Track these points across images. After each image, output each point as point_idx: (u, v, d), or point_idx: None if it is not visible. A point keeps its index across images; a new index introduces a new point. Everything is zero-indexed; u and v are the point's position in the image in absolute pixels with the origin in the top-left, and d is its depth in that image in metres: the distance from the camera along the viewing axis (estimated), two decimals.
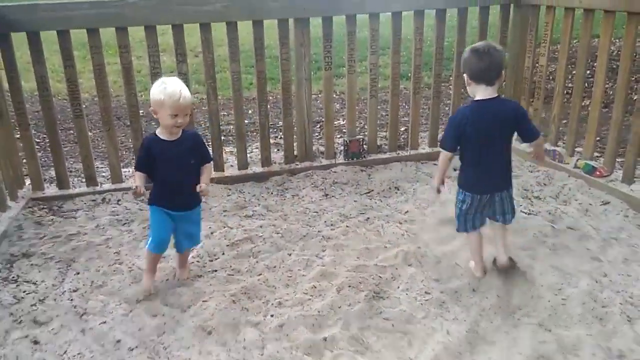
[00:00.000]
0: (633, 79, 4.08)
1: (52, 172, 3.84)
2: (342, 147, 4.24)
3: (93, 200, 3.66)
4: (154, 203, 2.63)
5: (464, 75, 2.59)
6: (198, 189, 2.55)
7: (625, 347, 2.22)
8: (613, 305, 2.48)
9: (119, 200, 3.66)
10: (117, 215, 3.48)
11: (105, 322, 2.49)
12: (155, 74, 3.69)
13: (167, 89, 2.42)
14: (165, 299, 2.66)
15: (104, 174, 4.08)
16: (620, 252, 2.90)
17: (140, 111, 3.88)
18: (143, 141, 2.62)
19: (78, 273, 2.88)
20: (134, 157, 3.91)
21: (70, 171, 4.11)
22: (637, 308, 2.48)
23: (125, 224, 3.38)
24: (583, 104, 3.93)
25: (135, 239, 3.20)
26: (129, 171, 4.13)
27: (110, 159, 3.83)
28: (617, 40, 6.51)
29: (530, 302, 2.55)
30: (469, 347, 2.29)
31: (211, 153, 4.03)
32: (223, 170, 4.02)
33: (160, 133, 2.55)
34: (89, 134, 4.89)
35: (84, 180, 3.84)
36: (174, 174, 2.56)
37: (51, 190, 3.77)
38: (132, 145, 4.02)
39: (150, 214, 2.65)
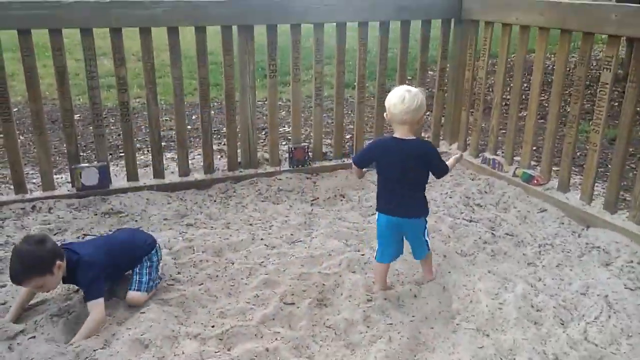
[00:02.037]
0: (566, 92, 4.27)
1: None
2: (287, 155, 4.22)
3: (22, 209, 3.44)
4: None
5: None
6: None
7: (559, 351, 2.30)
8: (547, 309, 2.56)
9: (50, 209, 3.46)
10: (49, 224, 3.29)
11: (34, 337, 2.33)
12: (91, 78, 3.55)
13: None
14: None
15: (34, 180, 3.86)
16: (554, 257, 3.01)
17: (77, 115, 3.70)
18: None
19: (4, 286, 2.70)
20: (68, 163, 3.73)
21: None
22: (569, 311, 2.57)
23: (57, 233, 3.20)
24: (520, 114, 4.09)
25: None
26: (62, 177, 3.92)
27: (41, 165, 3.62)
28: (552, 55, 6.85)
29: (469, 307, 2.60)
30: (411, 355, 2.30)
31: (150, 159, 3.93)
32: (163, 177, 3.90)
33: None
34: (21, 138, 4.66)
35: (12, 187, 3.62)
36: None
37: None
38: (65, 151, 3.82)
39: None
